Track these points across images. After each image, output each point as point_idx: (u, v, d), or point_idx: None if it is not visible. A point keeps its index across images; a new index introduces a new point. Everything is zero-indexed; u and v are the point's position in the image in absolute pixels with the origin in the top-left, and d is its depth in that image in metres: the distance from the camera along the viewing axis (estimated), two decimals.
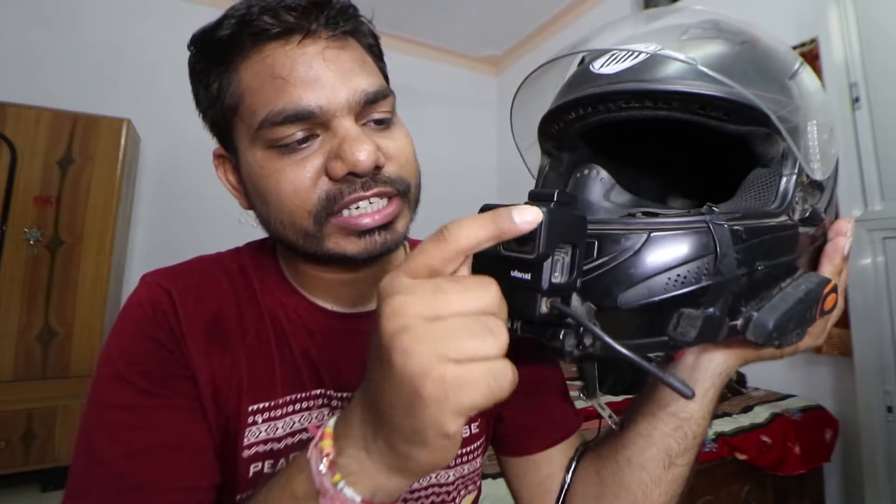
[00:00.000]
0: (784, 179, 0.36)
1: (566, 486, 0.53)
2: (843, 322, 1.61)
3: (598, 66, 0.39)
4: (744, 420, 1.59)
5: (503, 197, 4.02)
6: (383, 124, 0.46)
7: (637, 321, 0.32)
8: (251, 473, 0.46)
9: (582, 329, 0.29)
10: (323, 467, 0.28)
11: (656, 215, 0.36)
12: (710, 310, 0.31)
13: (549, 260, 0.26)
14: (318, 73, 0.42)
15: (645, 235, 0.31)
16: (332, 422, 0.30)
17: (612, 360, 0.28)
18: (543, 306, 0.27)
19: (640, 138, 0.50)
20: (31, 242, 2.12)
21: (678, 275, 0.31)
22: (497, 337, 0.25)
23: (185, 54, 0.47)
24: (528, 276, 0.27)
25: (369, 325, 0.52)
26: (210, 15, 0.45)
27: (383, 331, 0.24)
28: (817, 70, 1.72)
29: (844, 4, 1.63)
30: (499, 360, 0.24)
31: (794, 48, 1.87)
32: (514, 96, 0.44)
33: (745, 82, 0.33)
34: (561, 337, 0.29)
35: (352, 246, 0.44)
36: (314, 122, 0.42)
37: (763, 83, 0.35)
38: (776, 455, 1.54)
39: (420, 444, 0.25)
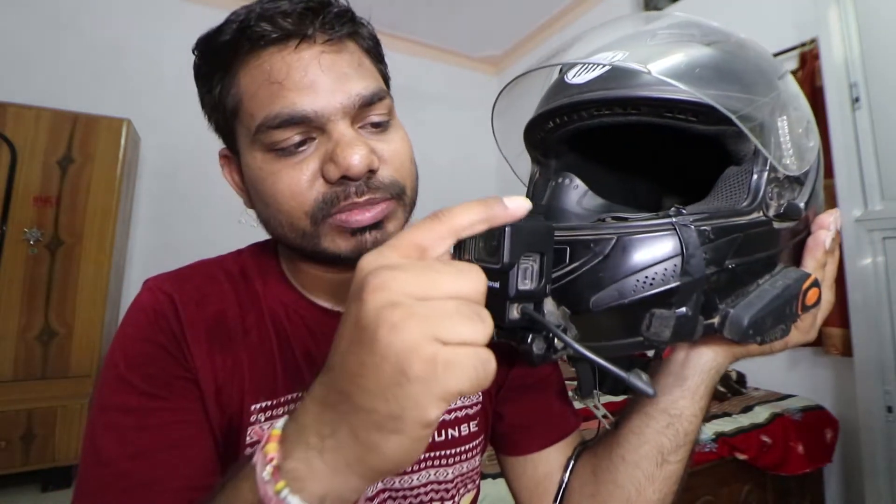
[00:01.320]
0: (755, 176, 0.37)
1: (564, 485, 0.53)
2: (844, 322, 1.61)
3: (571, 76, 0.40)
4: (744, 420, 1.59)
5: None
6: (380, 127, 0.47)
7: (611, 323, 0.33)
8: None
9: (550, 335, 0.29)
10: (266, 474, 0.26)
11: (625, 220, 0.37)
12: (682, 309, 0.32)
13: (516, 268, 0.28)
14: (314, 78, 0.43)
15: (613, 239, 0.32)
16: (280, 423, 0.28)
17: (614, 357, 0.29)
18: (514, 312, 0.29)
19: (628, 143, 0.51)
20: (31, 242, 2.12)
21: (647, 276, 0.32)
22: (486, 324, 0.24)
23: (186, 54, 0.48)
24: (497, 285, 0.28)
25: None
26: (211, 15, 0.45)
27: (367, 305, 0.23)
28: (817, 70, 1.72)
29: (844, 4, 1.63)
30: (484, 348, 0.24)
31: (794, 48, 1.87)
32: (493, 106, 0.46)
33: (705, 84, 0.34)
34: (529, 341, 0.30)
35: (345, 244, 0.44)
36: (310, 126, 0.43)
37: (725, 83, 0.36)
38: (778, 455, 1.54)
39: (394, 432, 0.23)
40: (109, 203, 2.27)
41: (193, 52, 0.47)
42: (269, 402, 0.47)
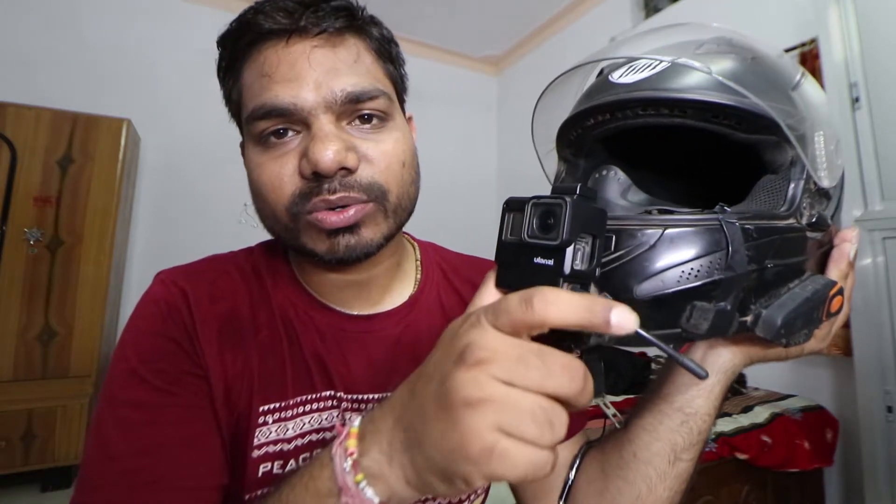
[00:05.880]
0: (792, 185, 0.38)
1: (570, 483, 0.53)
2: (844, 322, 1.61)
3: (616, 76, 0.41)
4: (744, 420, 1.59)
5: (502, 197, 4.02)
6: (371, 125, 0.46)
7: (651, 312, 0.33)
8: (260, 474, 0.46)
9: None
10: (347, 465, 0.29)
11: (671, 213, 0.38)
12: (722, 304, 0.33)
13: (572, 247, 0.28)
14: (299, 71, 0.43)
15: (660, 231, 0.33)
16: (357, 422, 0.31)
17: (614, 357, 0.29)
18: None
19: (655, 146, 0.51)
20: (31, 242, 2.12)
21: (691, 268, 0.32)
22: (555, 432, 0.25)
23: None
24: (550, 262, 0.28)
25: (379, 327, 0.53)
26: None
27: (459, 375, 0.25)
28: (817, 70, 1.72)
29: (844, 4, 1.63)
30: (545, 450, 0.25)
31: (794, 48, 1.87)
32: (536, 104, 0.46)
33: (757, 93, 0.35)
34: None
35: (321, 245, 0.45)
36: (291, 119, 0.43)
37: (772, 94, 0.37)
38: (782, 453, 1.54)
39: (445, 482, 0.26)
40: (109, 203, 2.27)
41: (217, 47, 0.49)
42: (279, 405, 0.47)
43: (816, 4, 1.70)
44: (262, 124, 0.44)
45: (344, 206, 0.44)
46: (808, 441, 1.58)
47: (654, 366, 1.97)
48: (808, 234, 0.39)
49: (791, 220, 0.37)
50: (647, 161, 0.52)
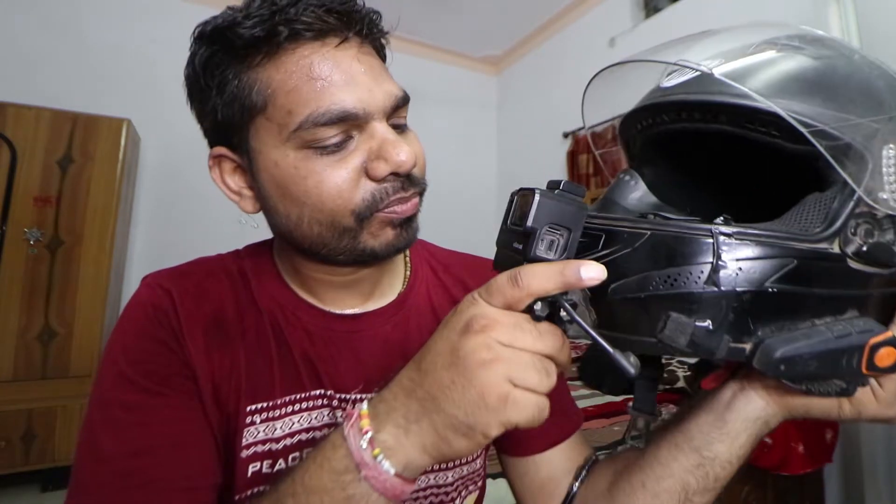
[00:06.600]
0: (835, 204, 0.32)
1: (574, 494, 0.52)
2: None
3: (665, 78, 0.40)
4: None
5: (502, 197, 4.02)
6: (400, 129, 0.47)
7: (629, 316, 0.33)
8: (250, 474, 0.46)
9: (557, 304, 0.31)
10: (364, 443, 0.32)
11: (668, 219, 0.36)
12: (705, 323, 0.30)
13: (537, 235, 0.30)
14: (356, 76, 0.43)
15: (646, 234, 0.32)
16: (365, 405, 0.34)
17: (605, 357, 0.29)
18: None
19: (726, 155, 0.48)
20: (31, 242, 2.12)
21: (668, 276, 0.31)
22: (550, 378, 0.31)
23: (186, 54, 0.46)
24: (520, 247, 0.31)
25: (368, 326, 0.53)
26: (211, 15, 0.44)
27: (469, 340, 0.30)
28: None
29: (844, 4, 1.63)
30: (543, 396, 0.30)
31: None
32: (588, 84, 0.45)
33: (785, 94, 0.32)
34: (532, 303, 0.31)
35: (383, 237, 0.45)
36: (353, 124, 0.43)
37: (813, 96, 0.33)
38: (779, 455, 1.54)
39: (465, 436, 0.30)
40: (109, 203, 2.27)
41: (198, 43, 0.44)
42: (266, 404, 0.47)
43: (816, 4, 1.70)
44: (324, 131, 0.41)
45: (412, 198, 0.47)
46: (804, 444, 1.58)
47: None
48: (854, 265, 0.33)
49: (825, 245, 0.32)
50: (720, 172, 0.49)
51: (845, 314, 0.33)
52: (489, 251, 0.40)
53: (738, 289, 0.30)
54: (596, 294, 0.33)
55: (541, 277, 0.29)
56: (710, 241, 0.31)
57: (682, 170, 0.48)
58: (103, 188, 2.26)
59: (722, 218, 0.34)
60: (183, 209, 2.82)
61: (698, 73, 0.37)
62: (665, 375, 1.80)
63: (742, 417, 0.40)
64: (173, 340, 0.45)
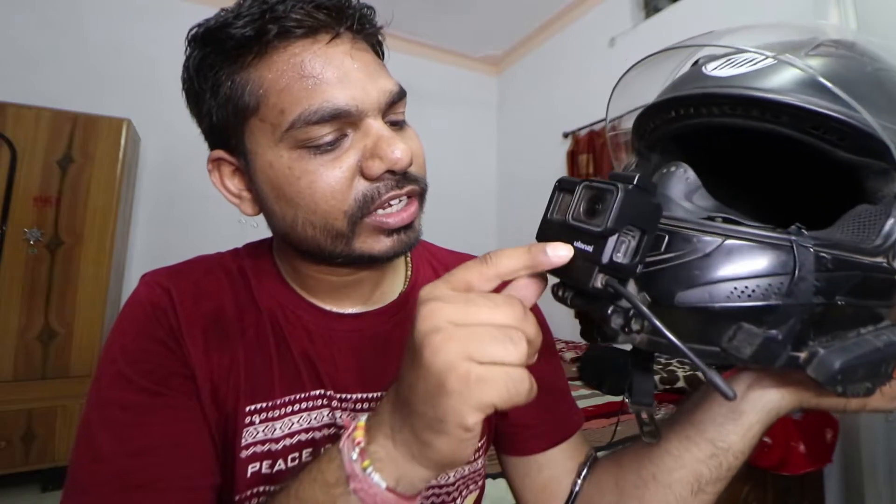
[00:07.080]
0: (891, 221, 0.33)
1: (577, 491, 0.52)
2: None
3: (711, 68, 0.37)
4: None
5: (502, 197, 4.03)
6: (397, 125, 0.47)
7: (691, 324, 0.31)
8: (249, 474, 0.46)
9: (631, 313, 0.28)
10: (354, 454, 0.31)
11: (738, 223, 0.34)
12: (773, 332, 0.29)
13: (615, 237, 0.27)
14: (349, 73, 0.42)
15: (719, 240, 0.30)
16: (364, 417, 0.33)
17: (616, 357, 0.28)
18: (598, 281, 0.28)
19: (738, 153, 0.47)
20: (31, 242, 2.12)
21: (746, 286, 0.29)
22: (517, 346, 0.27)
23: None
24: (589, 249, 0.28)
25: (369, 326, 0.53)
26: (211, 15, 0.44)
27: (417, 330, 0.28)
28: None
29: (844, 4, 1.63)
30: (517, 367, 0.27)
31: None
32: (619, 80, 0.42)
33: (870, 107, 0.30)
34: (609, 313, 0.28)
35: (379, 245, 0.44)
36: (346, 122, 0.42)
37: (890, 113, 0.32)
38: (779, 455, 1.54)
39: (441, 433, 0.28)
40: (109, 203, 2.26)
41: (192, 46, 0.44)
42: (266, 404, 0.47)
43: (816, 4, 1.70)
44: (317, 130, 0.41)
45: (409, 199, 0.45)
46: (804, 443, 1.58)
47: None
48: None
49: (879, 259, 0.32)
50: (722, 168, 0.47)
51: (881, 323, 0.35)
52: (487, 251, 0.40)
53: (814, 300, 0.30)
54: (659, 301, 0.31)
55: (510, 257, 0.29)
56: (791, 251, 0.30)
57: (699, 166, 0.46)
58: (103, 188, 2.26)
59: (795, 226, 0.32)
60: (183, 209, 2.82)
61: (758, 67, 0.34)
62: (665, 375, 1.80)
63: (757, 409, 0.41)
64: (172, 340, 0.45)
